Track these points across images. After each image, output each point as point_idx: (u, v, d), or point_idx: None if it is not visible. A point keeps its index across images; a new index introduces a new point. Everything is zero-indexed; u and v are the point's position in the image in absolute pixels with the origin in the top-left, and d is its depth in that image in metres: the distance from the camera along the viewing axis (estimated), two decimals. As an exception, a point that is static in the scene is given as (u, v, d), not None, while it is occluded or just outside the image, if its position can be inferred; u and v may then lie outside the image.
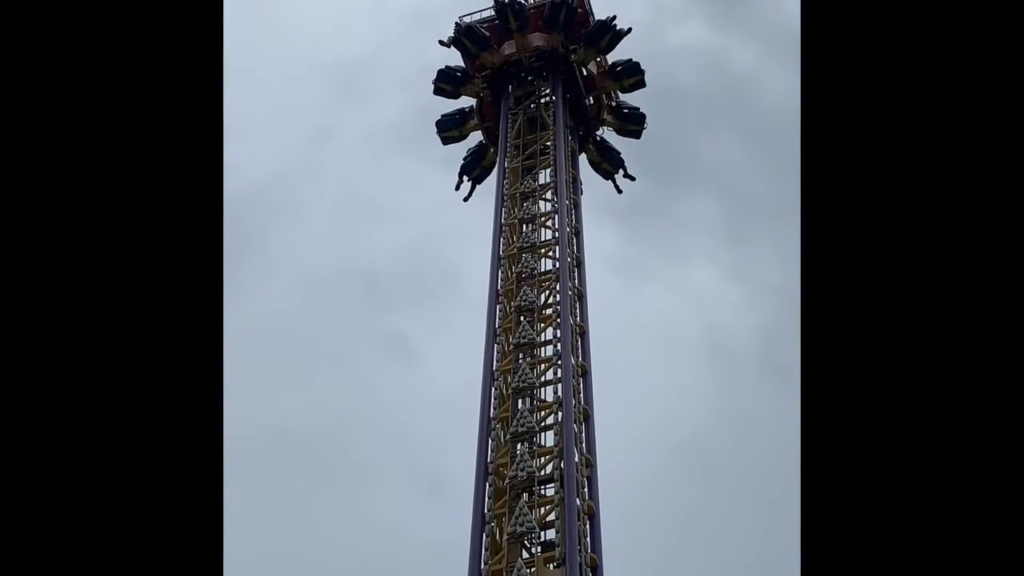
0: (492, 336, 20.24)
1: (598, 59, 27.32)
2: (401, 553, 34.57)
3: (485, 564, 16.23)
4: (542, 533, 16.60)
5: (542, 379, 19.19)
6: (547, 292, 21.02)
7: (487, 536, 16.76)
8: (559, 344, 19.44)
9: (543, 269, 21.54)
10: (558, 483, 16.93)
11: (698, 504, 38.92)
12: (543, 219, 23.22)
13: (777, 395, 43.84)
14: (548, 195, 23.86)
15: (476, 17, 27.52)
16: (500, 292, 21.17)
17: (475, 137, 28.03)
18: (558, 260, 21.40)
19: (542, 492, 17.17)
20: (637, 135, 27.48)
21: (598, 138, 27.66)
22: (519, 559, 15.91)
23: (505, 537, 16.43)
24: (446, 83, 27.40)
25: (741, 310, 46.59)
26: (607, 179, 27.80)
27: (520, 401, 18.84)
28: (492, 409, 18.85)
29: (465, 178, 27.57)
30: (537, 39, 26.59)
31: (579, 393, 19.21)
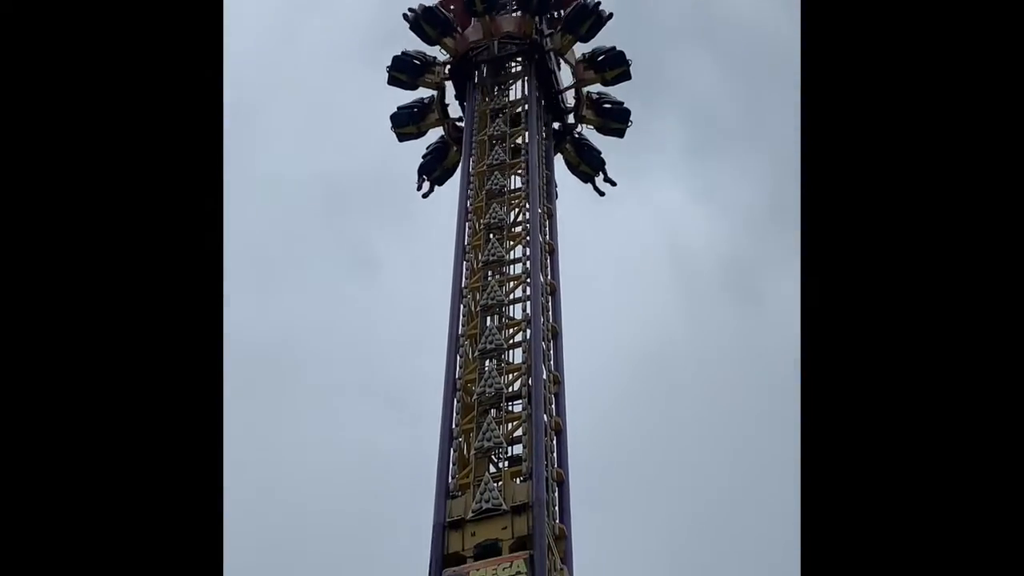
0: (461, 253, 20.15)
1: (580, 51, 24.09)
2: (369, 468, 35.00)
3: (453, 478, 16.44)
4: (509, 448, 16.80)
5: (511, 296, 19.21)
6: (516, 210, 20.94)
7: (455, 451, 16.95)
8: (528, 262, 19.43)
9: (513, 187, 21.38)
10: (526, 399, 17.09)
11: (662, 419, 39.75)
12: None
13: (740, 312, 44.62)
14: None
15: None
16: (469, 209, 20.92)
17: (436, 132, 24.38)
18: (528, 178, 21.20)
19: (510, 408, 17.33)
20: (620, 134, 23.98)
21: (576, 135, 24.25)
22: (486, 473, 16.13)
23: (473, 452, 16.64)
24: (402, 72, 23.66)
25: (706, 229, 46.88)
26: (585, 182, 24.43)
27: (488, 318, 18.88)
28: (460, 326, 18.90)
29: (425, 178, 24.07)
30: (507, 23, 23.41)
31: (547, 311, 19.28)
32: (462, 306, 19.27)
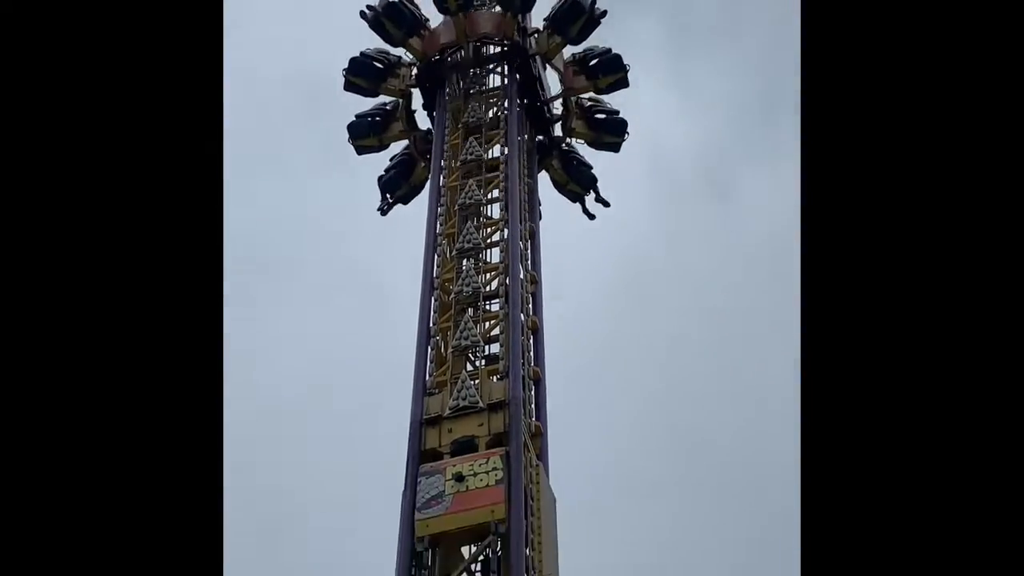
0: (440, 154, 19.65)
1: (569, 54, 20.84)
2: (345, 365, 35.28)
3: (430, 376, 16.66)
4: (486, 347, 16.98)
5: (489, 196, 19.11)
6: (495, 108, 20.59)
7: (432, 349, 17.13)
8: (506, 162, 19.20)
9: (492, 85, 21.00)
10: (503, 299, 17.20)
11: (639, 319, 40.27)
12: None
13: (714, 211, 44.97)
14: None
15: None
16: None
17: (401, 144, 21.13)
18: (506, 76, 20.77)
19: (487, 307, 17.46)
20: (616, 148, 20.73)
21: (564, 147, 21.17)
22: (463, 371, 16.34)
23: (450, 350, 16.82)
24: (360, 76, 20.09)
25: (682, 127, 46.76)
26: (574, 201, 21.24)
27: (467, 219, 18.81)
28: (439, 225, 18.84)
29: (388, 197, 20.89)
30: (485, 21, 20.00)
31: (526, 211, 19.23)
32: (440, 207, 19.16)
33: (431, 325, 17.40)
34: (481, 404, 15.15)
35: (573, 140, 21.11)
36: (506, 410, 14.87)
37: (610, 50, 20.04)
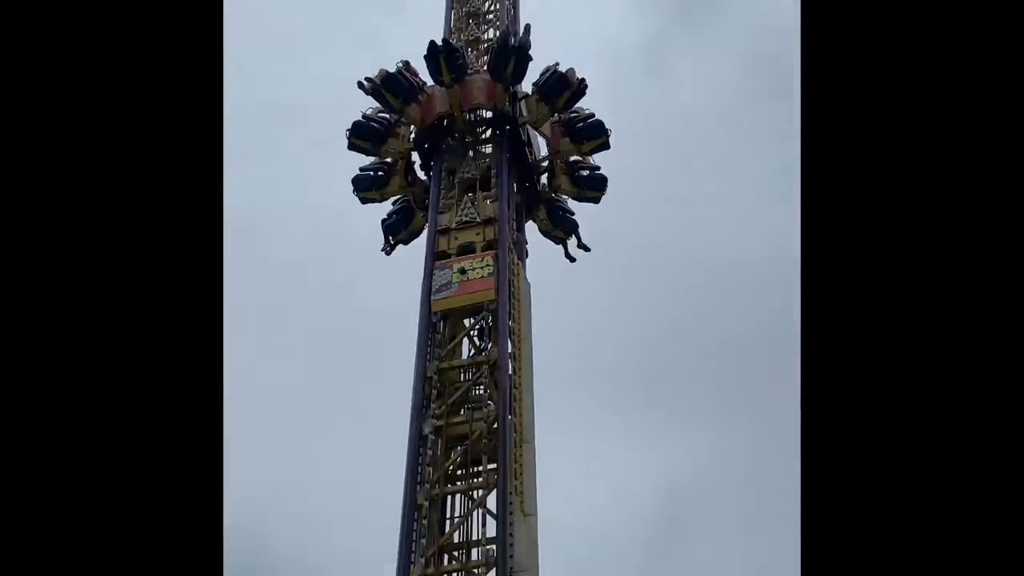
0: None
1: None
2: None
3: (441, 200, 20.38)
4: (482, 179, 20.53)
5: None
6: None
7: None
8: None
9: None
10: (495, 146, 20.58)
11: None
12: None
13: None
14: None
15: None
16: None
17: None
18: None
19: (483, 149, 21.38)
20: (597, 200, 22.04)
21: (550, 199, 22.21)
22: (466, 196, 20.02)
23: (456, 180, 20.54)
24: (363, 139, 21.23)
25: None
26: (557, 243, 22.40)
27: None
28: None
29: (390, 238, 21.99)
30: (477, 92, 20.76)
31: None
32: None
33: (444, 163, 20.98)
34: (478, 219, 19.40)
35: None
36: (495, 224, 19.20)
37: (593, 114, 21.49)
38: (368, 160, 21.88)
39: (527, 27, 21.28)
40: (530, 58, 20.72)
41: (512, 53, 20.53)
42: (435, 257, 19.09)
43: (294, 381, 38.95)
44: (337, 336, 39.33)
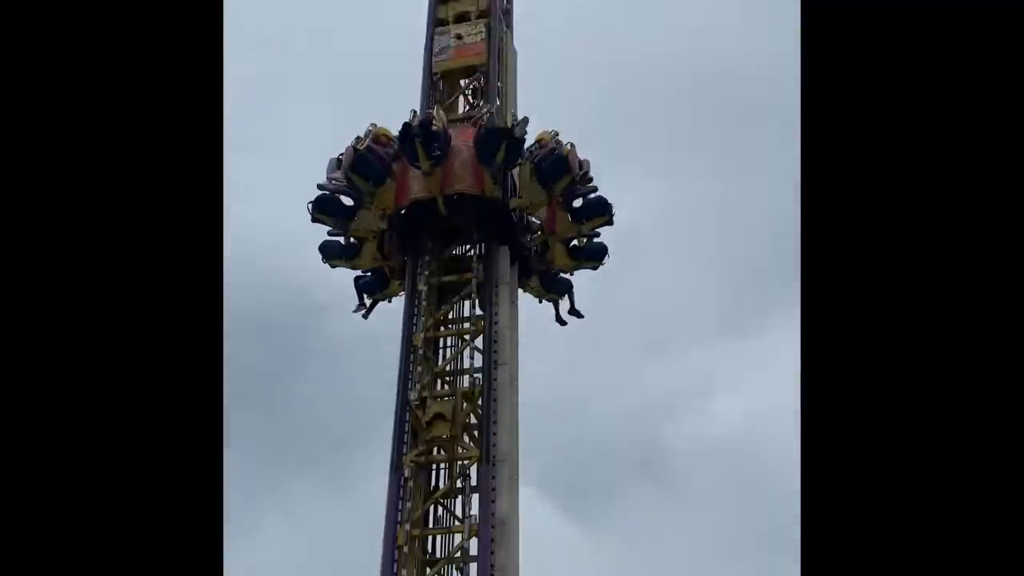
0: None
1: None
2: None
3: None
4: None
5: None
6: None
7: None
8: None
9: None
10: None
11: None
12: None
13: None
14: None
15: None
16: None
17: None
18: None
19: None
20: (595, 268, 18.93)
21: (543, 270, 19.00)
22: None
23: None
24: (328, 214, 17.69)
25: None
26: (550, 302, 19.25)
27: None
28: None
29: (365, 297, 18.79)
30: (460, 175, 16.92)
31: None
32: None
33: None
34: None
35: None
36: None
37: (596, 189, 18.17)
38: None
39: (524, 120, 17.46)
40: (522, 145, 17.36)
41: (503, 138, 16.99)
42: (436, 24, 19.60)
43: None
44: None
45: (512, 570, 14.73)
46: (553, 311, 19.12)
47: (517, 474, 15.77)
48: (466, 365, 16.54)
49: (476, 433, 15.72)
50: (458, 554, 14.84)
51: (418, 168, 16.91)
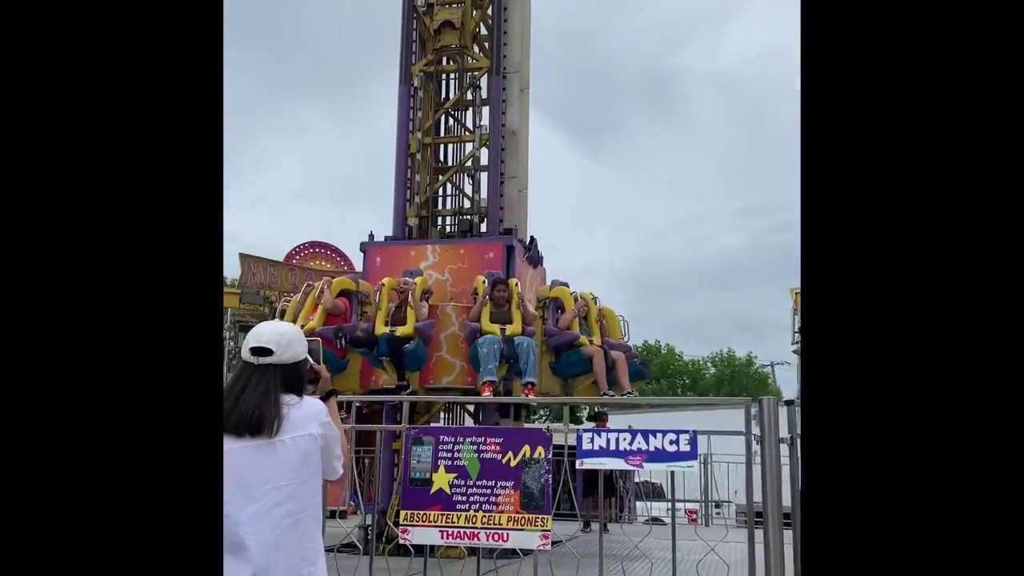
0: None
1: None
2: None
3: None
4: None
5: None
6: None
7: None
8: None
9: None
10: None
11: None
12: None
13: None
14: None
15: None
16: None
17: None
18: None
19: None
20: None
21: None
22: None
23: None
24: None
25: None
26: None
27: None
28: None
29: None
30: None
31: None
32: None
33: None
34: None
35: None
36: None
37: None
38: None
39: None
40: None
41: None
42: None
43: None
44: None
45: (522, 179, 15.09)
46: None
47: (528, 87, 15.65)
48: (474, -29, 15.89)
49: (486, 44, 15.44)
50: (469, 163, 15.12)
51: None
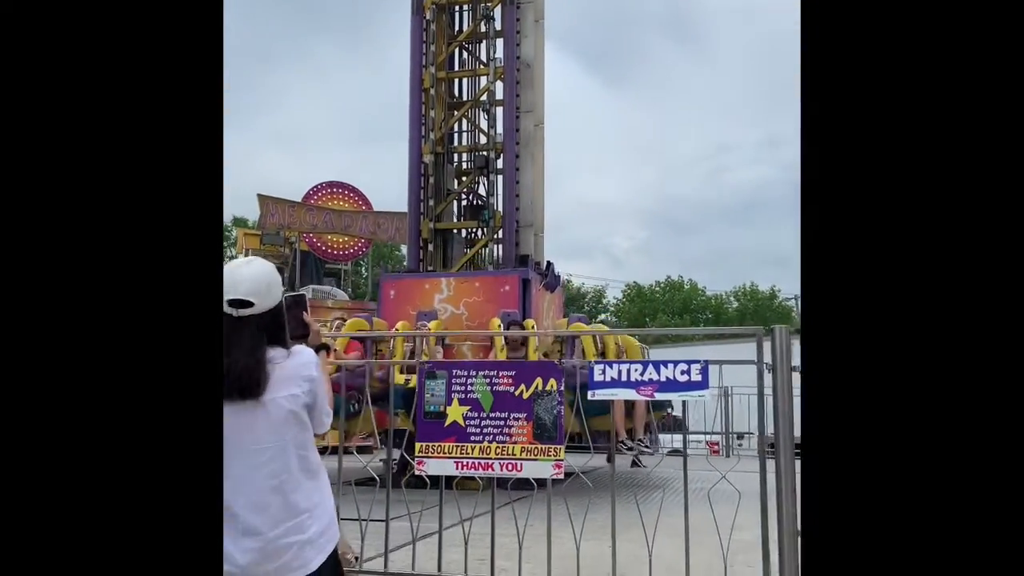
0: None
1: None
2: None
3: None
4: None
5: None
6: None
7: None
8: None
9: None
10: None
11: None
12: None
13: None
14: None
15: None
16: None
17: None
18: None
19: None
20: None
21: None
22: None
23: None
24: None
25: None
26: None
27: None
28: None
29: None
30: None
31: None
32: None
33: None
34: None
35: None
36: None
37: None
38: None
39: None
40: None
41: None
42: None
43: None
44: None
45: (539, 112, 14.90)
46: None
47: (543, 17, 15.38)
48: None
49: (499, -26, 15.15)
50: (484, 97, 14.94)
51: None
